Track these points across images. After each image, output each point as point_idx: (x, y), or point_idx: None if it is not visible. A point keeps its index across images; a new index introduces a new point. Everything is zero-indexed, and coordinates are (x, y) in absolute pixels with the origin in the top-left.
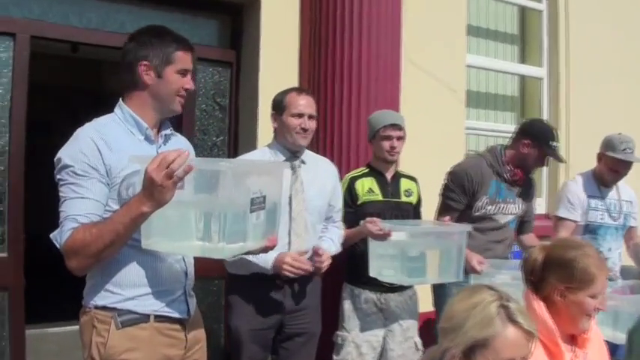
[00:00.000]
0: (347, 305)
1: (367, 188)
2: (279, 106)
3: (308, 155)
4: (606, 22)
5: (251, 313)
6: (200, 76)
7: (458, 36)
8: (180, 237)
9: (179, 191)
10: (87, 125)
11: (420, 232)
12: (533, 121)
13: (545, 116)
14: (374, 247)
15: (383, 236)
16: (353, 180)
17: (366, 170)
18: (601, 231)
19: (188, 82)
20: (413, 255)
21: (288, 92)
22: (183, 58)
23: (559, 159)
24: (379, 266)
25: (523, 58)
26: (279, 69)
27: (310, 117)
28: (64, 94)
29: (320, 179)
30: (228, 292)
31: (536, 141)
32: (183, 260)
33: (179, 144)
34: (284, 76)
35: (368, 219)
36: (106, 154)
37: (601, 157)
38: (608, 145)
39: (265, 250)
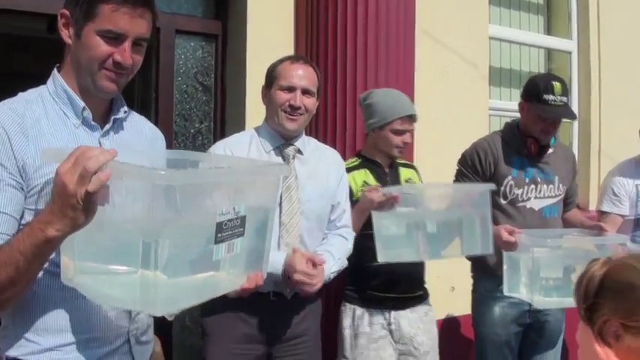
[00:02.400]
0: (347, 330)
1: (361, 182)
2: (269, 77)
3: (307, 143)
4: None
5: (231, 343)
6: (180, 52)
7: (479, 4)
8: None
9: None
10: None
11: (433, 195)
12: (532, 76)
13: (574, 95)
14: (379, 227)
15: (389, 203)
16: None
17: (357, 162)
18: None
19: (120, 52)
20: (430, 228)
21: (283, 60)
22: (109, 16)
23: (556, 115)
24: (389, 248)
25: (549, 30)
26: (271, 41)
27: (305, 92)
28: None
29: (321, 174)
30: (204, 316)
31: (526, 99)
32: None
33: (139, 130)
34: (277, 49)
35: (366, 188)
36: (19, 145)
37: None
38: None
39: (244, 291)
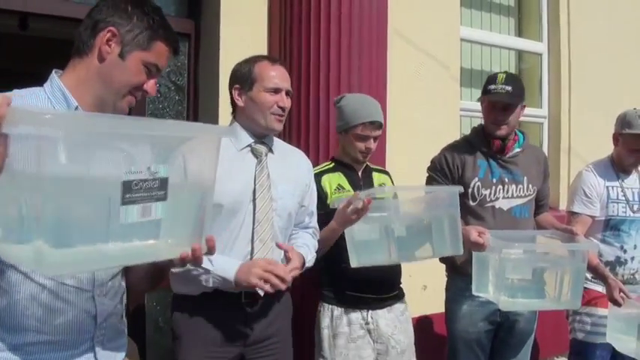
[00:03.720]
0: (326, 330)
1: (336, 185)
2: (245, 78)
3: (276, 144)
4: None
5: (203, 346)
6: None
7: (451, 5)
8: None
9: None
10: None
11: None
12: None
13: (544, 96)
14: (350, 232)
15: (362, 211)
16: (318, 176)
17: (331, 165)
18: (624, 226)
19: (151, 85)
20: (399, 232)
21: (258, 61)
22: (161, 52)
23: (497, 98)
24: (361, 252)
25: (520, 32)
26: (245, 41)
27: (287, 93)
28: None
29: (291, 173)
30: (175, 318)
31: (481, 95)
32: (93, 300)
33: None
34: (250, 49)
35: (338, 202)
36: None
37: (617, 137)
38: (624, 121)
39: (183, 261)
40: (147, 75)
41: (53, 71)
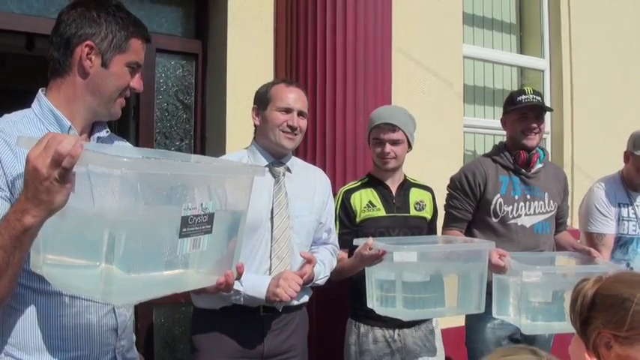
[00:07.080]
0: (353, 347)
1: (366, 202)
2: (262, 98)
3: (294, 162)
4: (613, 7)
5: (221, 358)
6: (160, 70)
7: (453, 24)
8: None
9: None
10: None
11: (430, 252)
12: None
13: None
14: (370, 272)
15: (376, 259)
16: (348, 193)
17: (365, 180)
18: (633, 244)
19: (137, 81)
20: (417, 280)
21: (275, 83)
22: (137, 48)
23: (529, 105)
24: (377, 293)
25: (522, 49)
26: (251, 61)
27: (300, 114)
28: None
29: (308, 191)
30: (194, 331)
31: (506, 110)
32: (114, 312)
33: (121, 150)
34: (257, 69)
35: (361, 245)
36: (8, 161)
37: (628, 156)
38: (636, 141)
39: (217, 289)
40: (130, 74)
41: (40, 90)
